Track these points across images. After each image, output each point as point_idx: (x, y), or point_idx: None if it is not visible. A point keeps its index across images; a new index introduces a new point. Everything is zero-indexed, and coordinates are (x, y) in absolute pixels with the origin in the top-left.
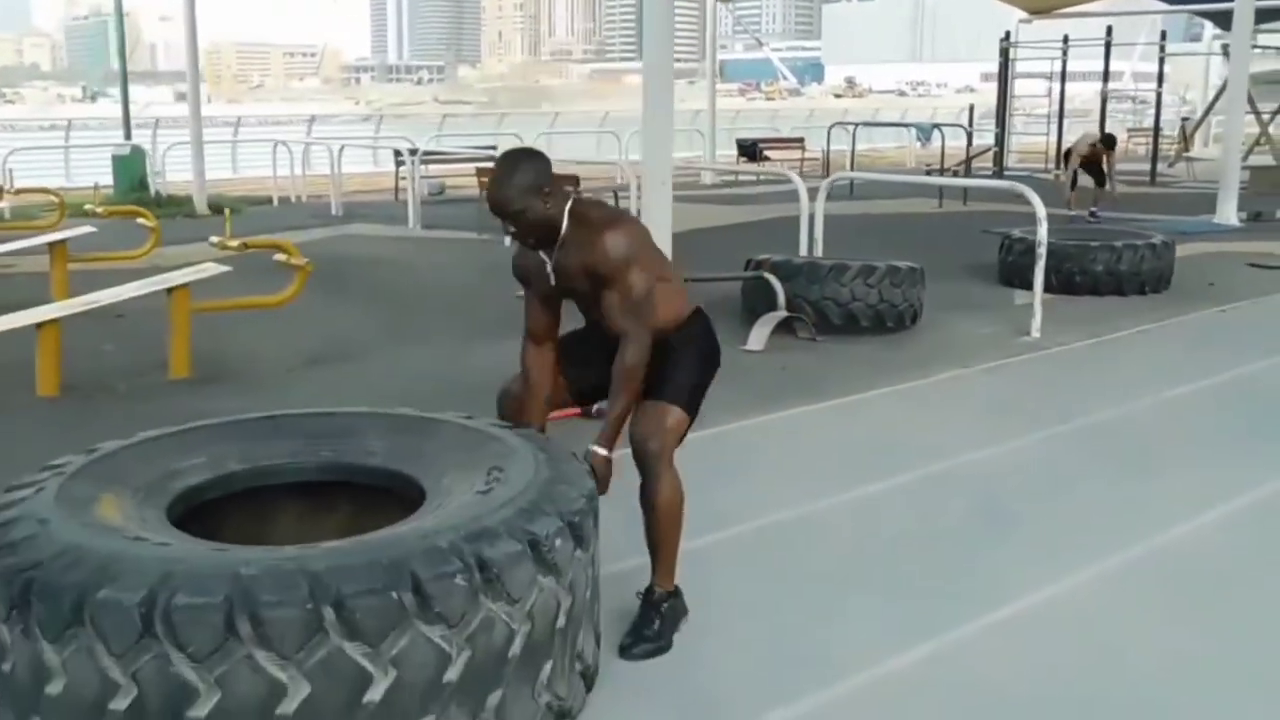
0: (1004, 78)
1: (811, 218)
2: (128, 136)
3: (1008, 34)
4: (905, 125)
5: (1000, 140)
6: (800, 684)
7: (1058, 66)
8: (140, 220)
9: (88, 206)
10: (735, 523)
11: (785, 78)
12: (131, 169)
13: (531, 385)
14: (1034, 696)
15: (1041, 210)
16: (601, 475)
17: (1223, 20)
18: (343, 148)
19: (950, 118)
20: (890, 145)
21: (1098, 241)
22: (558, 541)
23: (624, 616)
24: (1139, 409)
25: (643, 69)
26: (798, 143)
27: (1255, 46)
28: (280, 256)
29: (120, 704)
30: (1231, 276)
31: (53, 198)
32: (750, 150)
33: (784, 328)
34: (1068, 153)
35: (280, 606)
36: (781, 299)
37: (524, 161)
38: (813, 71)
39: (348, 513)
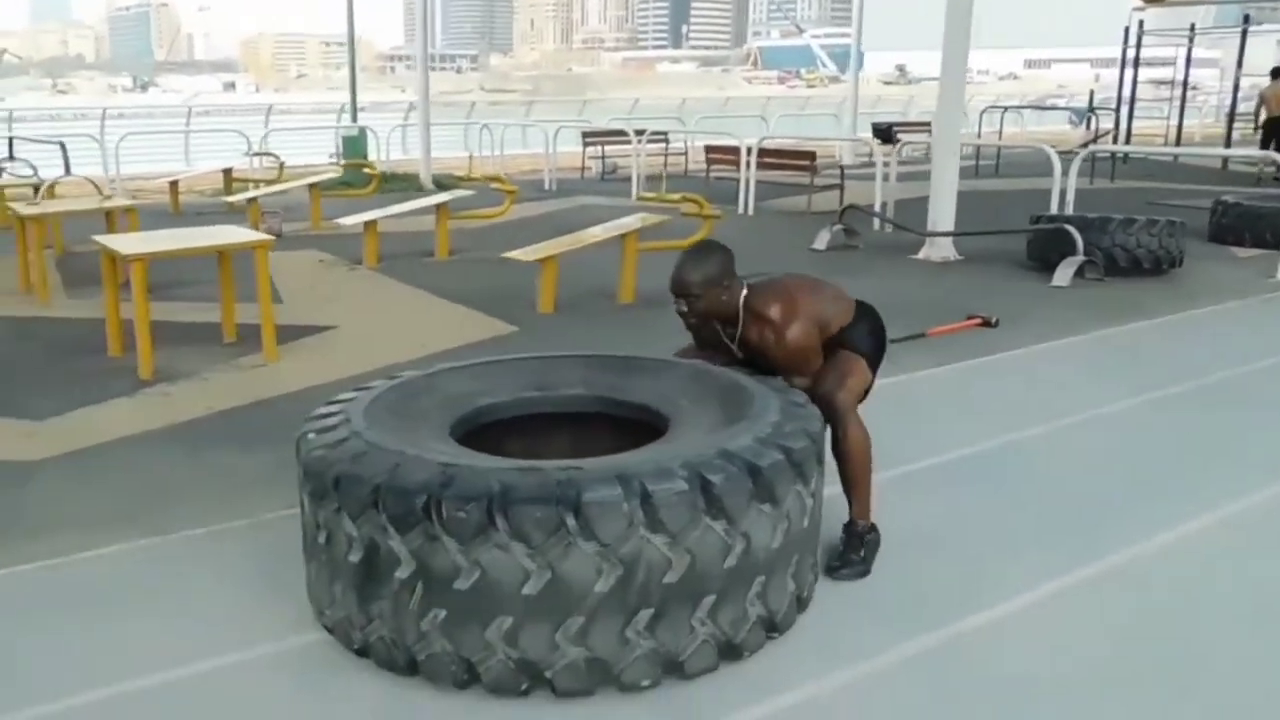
0: (1123, 63)
1: (1064, 188)
2: (354, 119)
3: (1140, 23)
4: (1060, 109)
5: (1117, 122)
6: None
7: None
8: (495, 186)
9: (458, 175)
10: (1049, 419)
11: (825, 65)
12: (357, 148)
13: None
14: None
15: None
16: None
17: None
18: (558, 130)
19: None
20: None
21: None
22: (809, 456)
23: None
24: None
25: (941, 61)
26: (926, 126)
27: None
28: (690, 208)
29: (463, 583)
30: None
31: (368, 169)
32: (885, 133)
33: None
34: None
35: (600, 504)
36: (1080, 245)
37: (713, 254)
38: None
39: (608, 442)
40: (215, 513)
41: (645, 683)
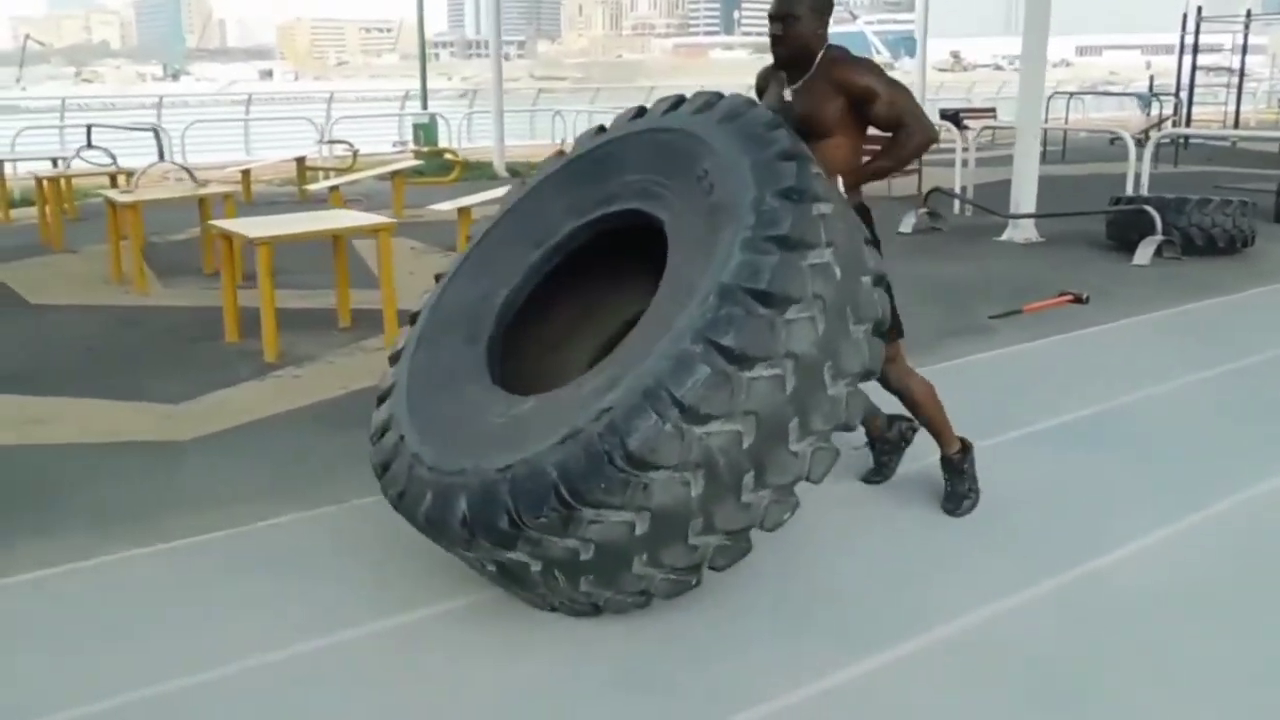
0: (1181, 49)
1: (1138, 172)
2: (425, 107)
3: (1199, 9)
4: (1127, 94)
5: (1177, 108)
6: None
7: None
8: None
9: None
10: (1147, 386)
11: (879, 51)
12: (430, 135)
13: None
14: None
15: None
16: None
17: None
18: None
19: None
20: (1095, 114)
21: None
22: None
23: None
24: None
25: (1022, 48)
26: (990, 112)
27: None
28: None
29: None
30: None
31: (450, 155)
32: (954, 119)
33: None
34: None
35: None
36: (1160, 225)
37: None
38: (905, 45)
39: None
40: (372, 485)
41: (786, 516)
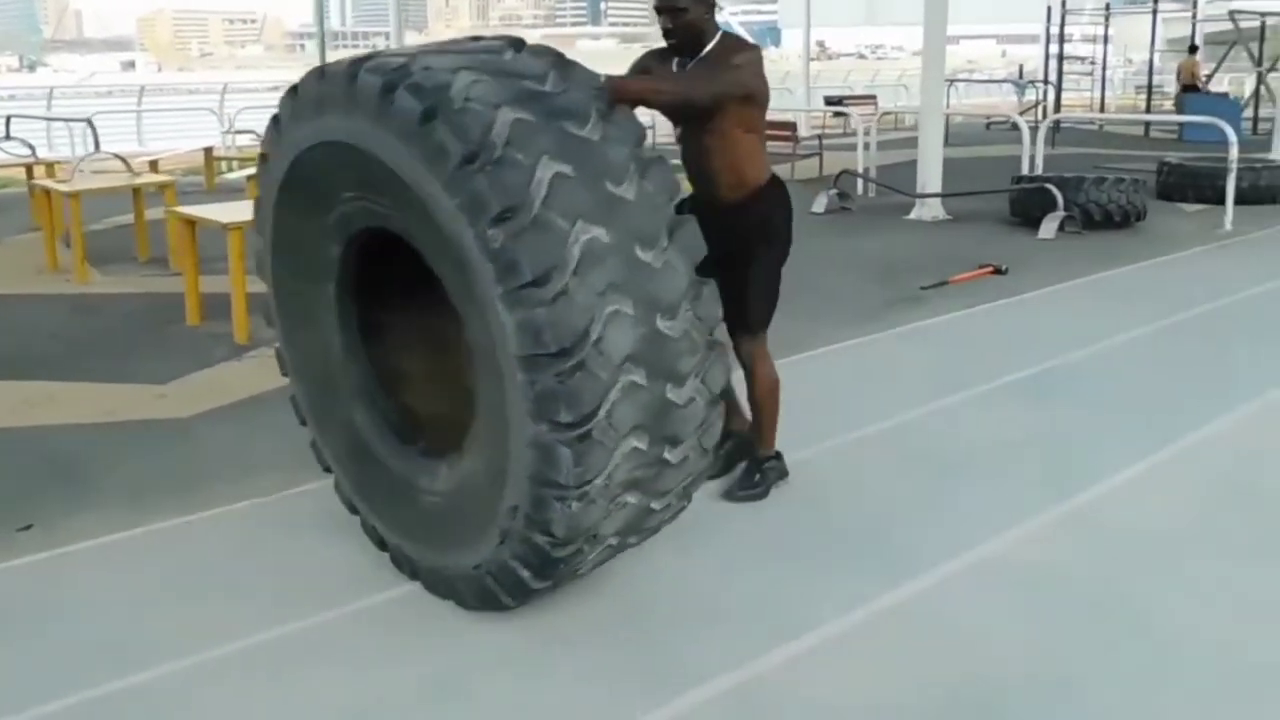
0: (1048, 39)
1: (1035, 154)
2: None
3: (1064, 2)
4: (1000, 81)
5: (1047, 94)
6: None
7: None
8: None
9: None
10: (1083, 345)
11: None
12: None
13: None
14: None
15: (1233, 136)
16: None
17: None
18: None
19: (913, 79)
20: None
21: (1242, 164)
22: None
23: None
24: None
25: (923, 35)
26: (872, 99)
27: None
28: None
29: None
30: None
31: None
32: (836, 105)
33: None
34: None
35: None
36: (1061, 202)
37: None
38: (770, 35)
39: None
40: None
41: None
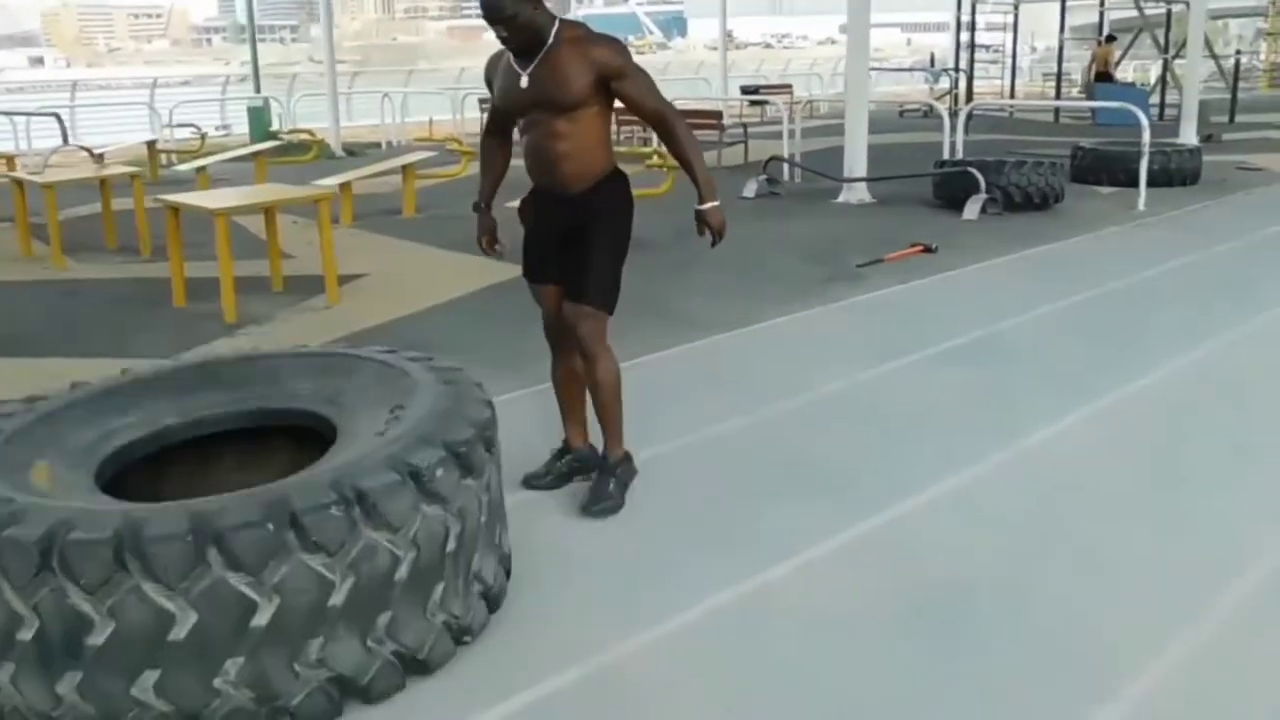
0: (959, 28)
1: (955, 140)
2: (258, 90)
3: None
4: (912, 70)
5: (968, 81)
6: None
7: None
8: (451, 148)
9: (450, 146)
10: (1012, 316)
11: (652, 32)
12: (262, 118)
13: (490, 166)
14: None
15: (1145, 122)
16: (719, 223)
17: None
18: (465, 97)
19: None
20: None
21: (1152, 149)
22: (439, 471)
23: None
24: (1222, 251)
25: (848, 25)
26: (788, 88)
27: None
28: (653, 162)
29: (26, 634)
30: (1233, 175)
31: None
32: (754, 94)
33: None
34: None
35: (164, 541)
36: (983, 185)
37: None
38: (677, 25)
39: (285, 456)
40: None
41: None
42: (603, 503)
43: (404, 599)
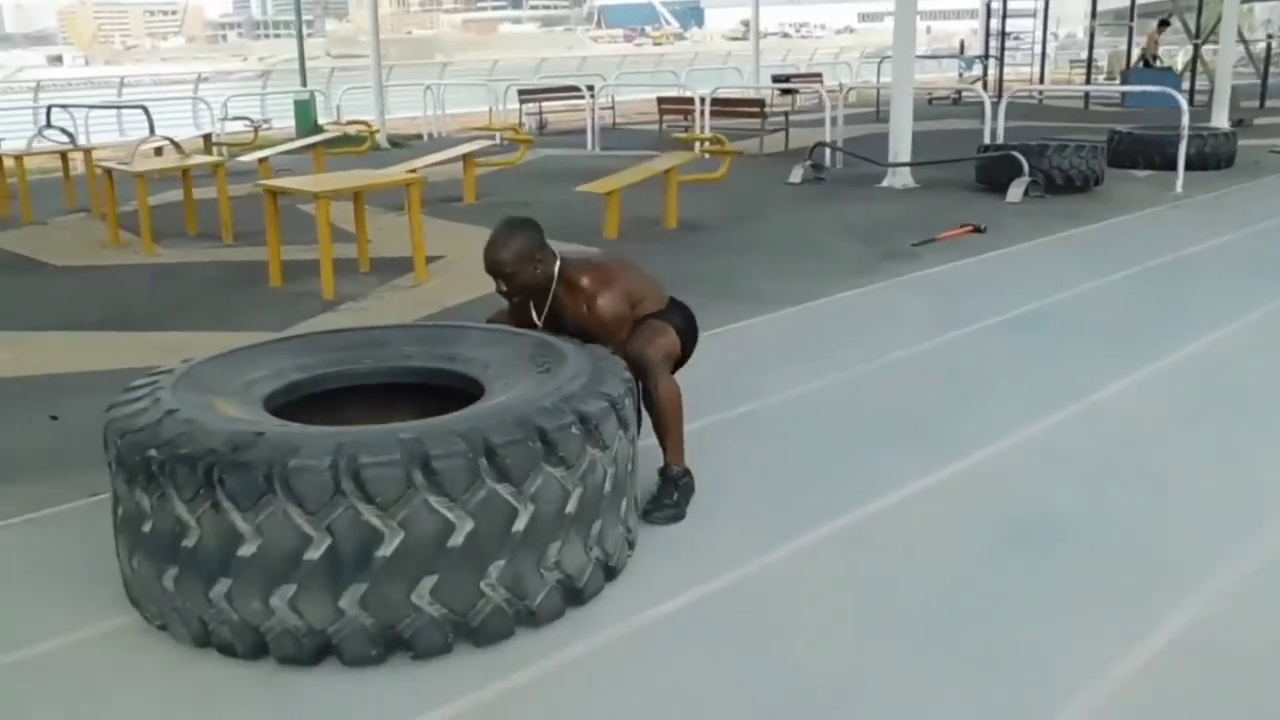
0: (988, 15)
1: (995, 126)
2: (304, 84)
3: None
4: (944, 57)
5: (997, 68)
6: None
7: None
8: (509, 137)
9: (500, 135)
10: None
11: (669, 22)
12: (307, 112)
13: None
14: None
15: (1185, 105)
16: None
17: None
18: (507, 89)
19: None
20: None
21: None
22: (627, 402)
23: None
24: (1260, 229)
25: (895, 12)
26: (818, 77)
27: None
28: (714, 147)
29: (314, 554)
30: (1266, 158)
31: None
32: (785, 83)
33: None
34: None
35: (445, 459)
36: (1026, 168)
37: (521, 230)
38: (693, 15)
39: (409, 415)
40: None
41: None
42: (665, 510)
43: (609, 509)
